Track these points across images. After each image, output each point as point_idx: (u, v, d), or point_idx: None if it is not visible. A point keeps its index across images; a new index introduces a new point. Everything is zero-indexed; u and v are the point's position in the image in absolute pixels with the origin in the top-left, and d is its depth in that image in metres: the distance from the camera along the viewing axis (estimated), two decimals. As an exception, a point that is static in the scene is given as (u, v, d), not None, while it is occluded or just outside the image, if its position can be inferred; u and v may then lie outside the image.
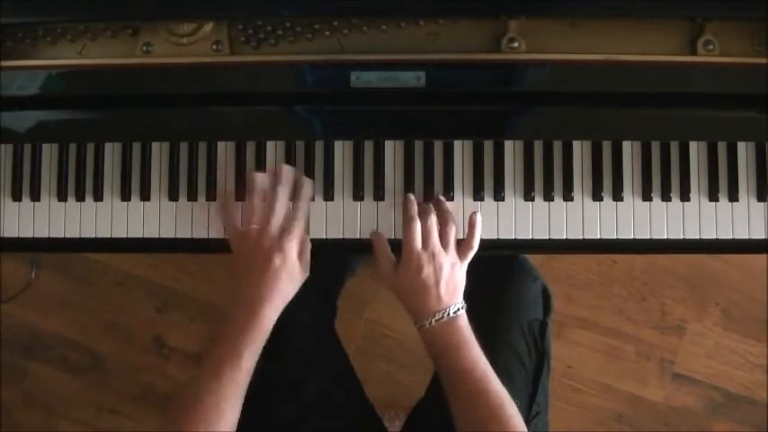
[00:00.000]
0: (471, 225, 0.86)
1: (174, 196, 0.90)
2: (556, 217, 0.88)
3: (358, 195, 0.89)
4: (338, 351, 1.04)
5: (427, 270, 0.82)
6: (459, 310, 0.83)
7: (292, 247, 0.83)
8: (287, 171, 0.87)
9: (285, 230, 0.83)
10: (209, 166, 0.90)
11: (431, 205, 0.86)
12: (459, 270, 0.84)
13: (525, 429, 0.78)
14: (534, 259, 1.09)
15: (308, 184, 0.87)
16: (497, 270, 1.00)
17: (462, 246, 0.86)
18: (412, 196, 0.87)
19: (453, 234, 0.85)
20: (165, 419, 0.78)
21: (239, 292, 0.83)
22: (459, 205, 0.88)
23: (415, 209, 0.85)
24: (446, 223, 0.85)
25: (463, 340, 0.82)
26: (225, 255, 0.88)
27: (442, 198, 0.87)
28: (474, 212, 0.86)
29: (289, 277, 0.83)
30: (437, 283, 0.82)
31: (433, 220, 0.84)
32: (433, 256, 0.83)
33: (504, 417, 0.77)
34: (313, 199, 0.88)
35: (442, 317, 0.82)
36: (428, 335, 0.83)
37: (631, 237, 0.88)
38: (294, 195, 0.86)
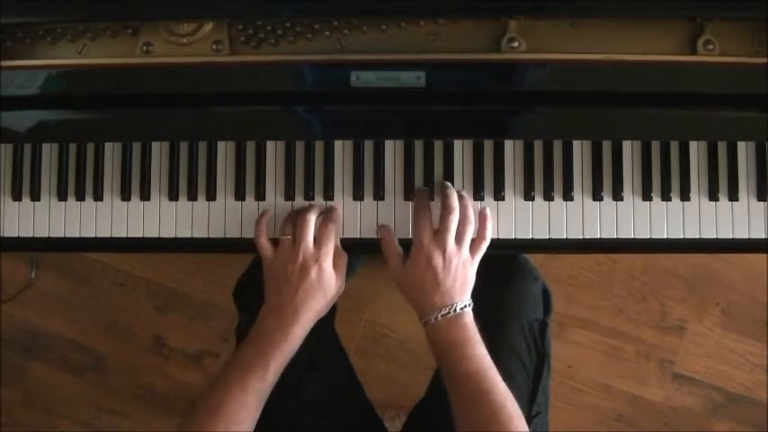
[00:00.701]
0: (483, 218, 0.86)
1: (173, 196, 0.90)
2: (556, 217, 0.88)
3: (358, 195, 0.89)
4: (338, 351, 1.04)
5: (436, 261, 0.82)
6: (465, 306, 0.83)
7: (328, 259, 0.84)
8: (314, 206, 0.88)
9: (319, 243, 0.84)
10: (209, 166, 0.90)
11: (456, 201, 0.85)
12: (469, 267, 0.84)
13: (527, 431, 0.78)
14: (534, 259, 1.09)
15: (335, 207, 0.88)
16: (498, 270, 1.00)
17: (475, 240, 0.85)
18: (424, 188, 0.87)
19: (470, 233, 0.84)
20: (186, 419, 0.79)
21: (273, 302, 0.83)
22: (452, 193, 0.88)
23: (426, 199, 0.85)
24: (464, 221, 0.84)
25: (468, 338, 0.81)
26: (225, 255, 0.88)
27: (465, 194, 0.87)
28: (484, 208, 0.87)
29: (323, 292, 0.84)
30: (446, 276, 0.82)
31: (454, 217, 0.84)
32: (444, 249, 0.82)
33: (505, 417, 0.77)
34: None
35: (448, 312, 0.82)
36: (433, 331, 0.83)
37: (631, 237, 0.88)
38: (325, 213, 0.87)
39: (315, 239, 0.84)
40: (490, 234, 0.86)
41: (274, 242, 0.86)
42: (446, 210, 0.84)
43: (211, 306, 1.56)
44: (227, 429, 0.76)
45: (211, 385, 0.80)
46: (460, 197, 0.86)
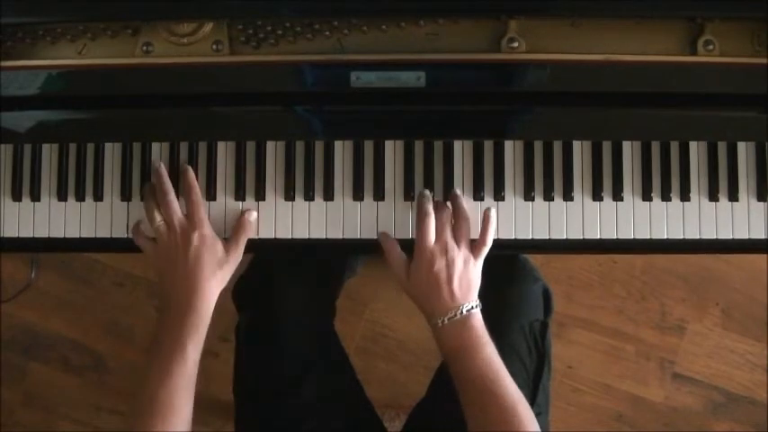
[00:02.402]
0: (485, 220, 0.86)
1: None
2: (556, 217, 0.88)
3: (358, 195, 0.89)
4: (338, 351, 1.04)
5: (439, 264, 0.82)
6: (472, 308, 0.82)
7: (204, 224, 0.84)
8: (153, 163, 0.88)
9: (189, 213, 0.84)
10: (209, 166, 0.90)
11: (447, 202, 0.86)
12: (473, 267, 0.84)
13: (539, 431, 0.77)
14: (534, 259, 1.09)
15: (187, 169, 0.87)
16: (498, 270, 1.00)
17: (476, 242, 0.85)
18: (428, 192, 0.86)
19: (467, 230, 0.84)
20: (130, 423, 0.78)
21: (168, 283, 0.83)
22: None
23: (430, 205, 0.84)
24: (460, 219, 0.84)
25: (476, 340, 0.81)
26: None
27: (458, 192, 0.87)
28: (488, 208, 0.86)
29: (212, 256, 0.83)
30: (450, 278, 0.82)
31: (447, 214, 0.84)
32: (445, 251, 0.82)
33: (516, 419, 0.76)
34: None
35: (455, 315, 0.81)
36: (441, 334, 0.82)
37: (631, 237, 0.88)
38: (182, 182, 0.87)
39: (185, 214, 0.84)
40: (492, 236, 0.85)
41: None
42: (439, 211, 0.84)
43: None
44: (165, 420, 0.76)
45: (140, 383, 0.80)
46: (453, 196, 0.86)
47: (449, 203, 0.86)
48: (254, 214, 0.88)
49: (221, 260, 0.84)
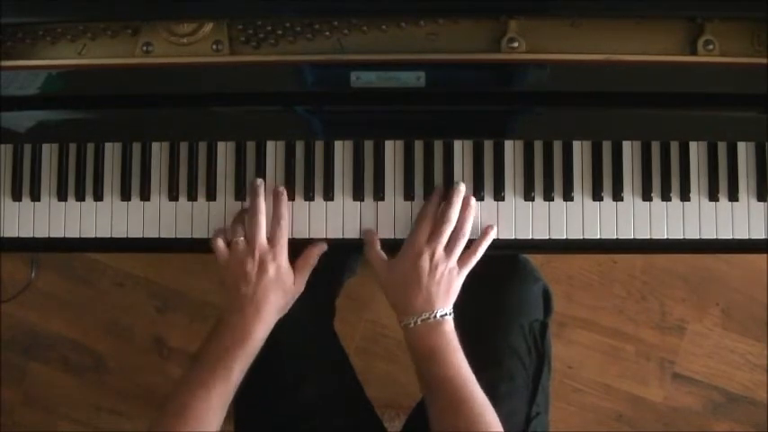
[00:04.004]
0: (485, 234, 0.86)
1: (173, 196, 0.90)
2: (556, 217, 0.88)
3: (358, 195, 0.89)
4: (338, 351, 1.04)
5: (423, 264, 0.82)
6: (446, 315, 0.83)
7: (283, 255, 0.84)
8: (256, 182, 0.87)
9: (273, 241, 0.84)
10: (209, 166, 0.90)
11: (456, 215, 0.85)
12: (455, 276, 0.84)
13: None
14: (534, 259, 1.09)
15: (283, 193, 0.87)
16: (498, 271, 1.00)
17: (466, 251, 0.85)
18: (436, 198, 0.87)
19: (461, 245, 0.85)
20: (154, 420, 0.78)
21: (233, 302, 0.83)
22: (455, 205, 0.88)
23: (434, 207, 0.85)
24: (458, 233, 0.85)
25: (446, 345, 0.81)
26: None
27: (472, 204, 0.86)
28: (490, 225, 0.86)
29: (282, 289, 0.84)
30: (430, 280, 0.82)
31: (448, 228, 0.84)
32: (433, 254, 0.83)
33: (483, 426, 0.77)
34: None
35: (428, 318, 0.82)
36: (412, 335, 0.83)
37: (631, 237, 0.88)
38: (273, 206, 0.86)
39: (268, 238, 0.84)
40: (483, 250, 0.86)
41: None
42: (442, 218, 0.84)
43: (211, 306, 1.56)
44: (193, 428, 0.76)
45: (177, 386, 0.80)
46: (465, 206, 0.86)
47: (455, 209, 0.85)
48: (324, 247, 0.88)
49: (287, 292, 0.85)
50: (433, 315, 0.82)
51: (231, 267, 0.84)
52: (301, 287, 0.87)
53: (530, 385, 0.96)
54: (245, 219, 0.86)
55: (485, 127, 0.89)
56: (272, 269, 0.83)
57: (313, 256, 0.87)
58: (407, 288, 0.83)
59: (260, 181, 0.87)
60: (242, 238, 0.84)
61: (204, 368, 0.80)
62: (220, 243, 0.86)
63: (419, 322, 0.82)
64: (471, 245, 0.86)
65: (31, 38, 0.85)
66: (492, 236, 0.86)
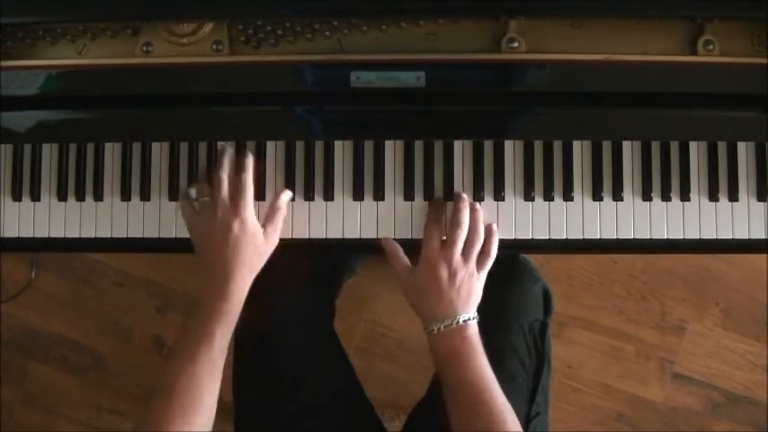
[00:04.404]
0: (489, 233, 0.86)
1: (173, 196, 0.90)
2: (556, 217, 0.88)
3: (358, 195, 0.89)
4: (338, 351, 1.04)
5: (442, 273, 0.82)
6: (469, 319, 0.83)
7: (247, 210, 0.83)
8: (219, 147, 0.87)
9: (236, 197, 0.83)
10: (209, 166, 0.90)
11: (467, 217, 0.85)
12: (476, 280, 0.84)
13: None
14: (534, 259, 1.09)
15: (249, 154, 0.86)
16: (498, 271, 1.00)
17: (481, 255, 0.85)
18: (440, 198, 0.87)
19: (477, 248, 0.85)
20: (147, 402, 0.77)
21: (204, 266, 0.83)
22: (465, 207, 0.88)
23: (439, 212, 0.86)
24: (473, 236, 0.85)
25: (470, 350, 0.81)
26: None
27: (478, 207, 0.86)
28: (491, 224, 0.87)
29: (251, 244, 0.82)
30: (451, 287, 0.82)
31: (462, 232, 0.84)
32: (451, 261, 0.83)
33: (503, 429, 0.77)
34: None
35: (451, 323, 0.82)
36: (435, 340, 0.83)
37: (631, 237, 0.88)
38: (237, 167, 0.86)
39: (231, 195, 0.83)
40: (495, 249, 0.86)
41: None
42: (455, 224, 0.84)
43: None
44: (184, 406, 0.74)
45: (166, 364, 0.79)
46: (473, 210, 0.86)
47: (464, 213, 0.85)
48: (289, 194, 0.87)
49: (259, 248, 0.83)
50: (455, 321, 0.82)
51: (198, 230, 0.84)
52: (274, 240, 0.85)
53: (530, 385, 0.96)
54: (206, 179, 0.85)
55: (485, 127, 0.89)
56: (236, 225, 0.81)
57: (280, 204, 0.86)
58: (428, 297, 0.83)
59: (222, 144, 0.87)
60: (206, 199, 0.84)
61: (186, 340, 0.79)
62: (188, 210, 0.86)
63: (442, 328, 0.82)
64: (483, 247, 0.86)
65: (31, 38, 0.85)
66: (497, 232, 0.86)
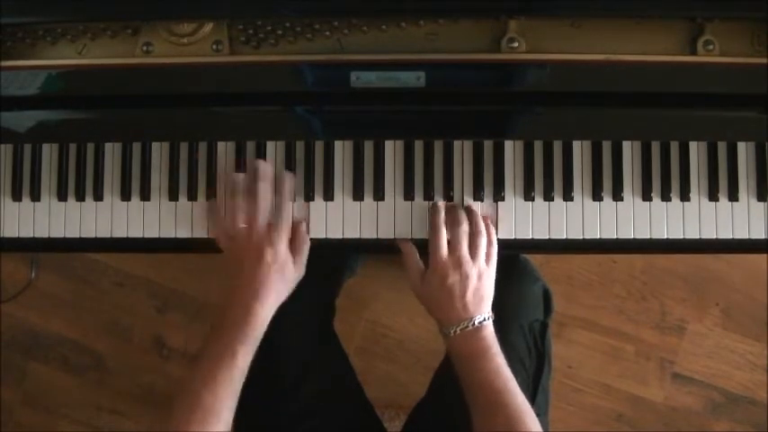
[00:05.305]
0: (486, 224, 0.86)
1: (174, 196, 0.90)
2: (556, 217, 0.88)
3: (358, 195, 0.89)
4: (338, 351, 1.04)
5: (453, 279, 0.82)
6: (484, 320, 0.83)
7: (282, 241, 0.84)
8: (264, 167, 0.86)
9: (272, 226, 0.84)
10: (210, 166, 0.90)
11: (463, 213, 0.85)
12: (486, 280, 0.84)
13: None
14: (534, 259, 1.09)
15: (288, 178, 0.87)
16: (498, 271, 1.00)
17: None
18: (441, 204, 0.87)
19: (484, 244, 0.84)
20: (164, 420, 0.78)
21: (233, 291, 0.83)
22: (458, 205, 0.88)
23: (442, 217, 0.85)
24: (476, 233, 0.84)
25: (486, 350, 0.81)
26: (224, 255, 0.88)
27: (473, 207, 0.87)
28: (485, 215, 0.87)
29: (281, 274, 0.83)
30: (463, 292, 0.82)
31: (463, 229, 0.84)
32: (459, 264, 0.83)
33: (523, 429, 0.77)
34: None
35: (467, 326, 0.82)
36: (452, 343, 0.83)
37: (631, 237, 0.88)
38: (276, 190, 0.86)
39: (268, 223, 0.84)
40: (495, 237, 0.86)
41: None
42: (453, 223, 0.84)
43: (211, 306, 1.56)
44: (204, 422, 0.76)
45: (184, 381, 0.80)
46: (469, 210, 0.86)
47: (460, 211, 0.86)
48: (303, 220, 0.87)
49: (287, 278, 0.84)
50: (471, 323, 0.82)
51: (232, 254, 0.84)
52: (301, 270, 0.86)
53: (530, 385, 0.96)
54: (246, 204, 0.85)
55: (485, 127, 0.89)
56: (269, 255, 0.82)
57: (302, 233, 0.86)
58: (442, 303, 0.83)
59: (263, 164, 0.86)
60: (243, 226, 0.84)
61: (209, 357, 0.80)
62: (222, 237, 0.86)
63: (458, 331, 0.82)
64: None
65: (31, 38, 0.85)
66: (489, 216, 0.87)
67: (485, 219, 0.86)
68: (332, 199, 0.89)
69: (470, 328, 0.82)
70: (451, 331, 0.82)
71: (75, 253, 1.53)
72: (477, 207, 0.88)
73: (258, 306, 0.81)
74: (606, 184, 0.88)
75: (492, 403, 0.79)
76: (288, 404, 0.94)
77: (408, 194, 0.89)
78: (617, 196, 0.88)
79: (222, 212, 0.86)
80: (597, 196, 0.88)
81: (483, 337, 0.82)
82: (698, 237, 0.88)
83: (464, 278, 0.82)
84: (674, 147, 0.88)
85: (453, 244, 0.83)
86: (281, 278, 0.84)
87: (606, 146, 0.89)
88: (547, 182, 0.88)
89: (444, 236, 0.84)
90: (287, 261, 0.84)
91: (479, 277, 0.83)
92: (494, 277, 0.85)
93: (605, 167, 0.89)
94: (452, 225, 0.84)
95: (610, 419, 1.52)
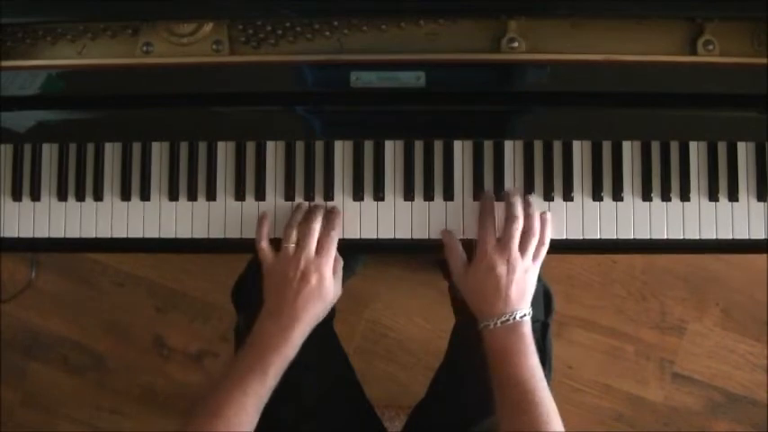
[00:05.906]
0: (543, 222, 0.86)
1: (174, 196, 0.90)
2: (556, 217, 0.88)
3: (358, 195, 0.89)
4: (337, 351, 1.04)
5: (500, 270, 0.82)
6: (525, 315, 0.83)
7: (328, 267, 0.85)
8: (312, 206, 0.89)
9: (320, 250, 0.85)
10: (210, 166, 0.90)
11: (521, 209, 0.85)
12: (531, 275, 0.84)
13: None
14: (534, 259, 1.08)
15: (338, 211, 0.88)
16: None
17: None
18: (491, 194, 0.87)
19: (534, 243, 0.84)
20: (187, 420, 0.79)
21: (273, 307, 0.84)
22: (458, 205, 0.88)
23: (491, 206, 0.85)
24: (529, 231, 0.84)
25: (524, 347, 0.82)
26: (225, 255, 0.88)
27: (532, 201, 0.86)
28: (544, 212, 0.86)
29: (322, 298, 0.85)
30: (508, 284, 0.82)
31: (517, 226, 0.84)
32: (508, 257, 0.83)
33: (549, 430, 0.78)
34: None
35: (508, 320, 0.82)
36: (491, 336, 0.83)
37: (631, 237, 0.88)
38: (327, 217, 0.87)
39: (317, 247, 0.85)
40: (549, 239, 0.86)
41: (272, 243, 0.87)
42: (510, 218, 0.84)
43: (211, 306, 1.56)
44: (225, 431, 0.77)
45: (212, 388, 0.81)
46: (527, 204, 0.86)
47: (518, 207, 0.85)
48: (334, 235, 0.87)
49: (326, 301, 0.86)
50: (512, 317, 0.82)
51: (276, 273, 0.85)
52: (339, 292, 0.88)
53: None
54: (298, 224, 0.86)
55: (485, 127, 0.89)
56: (314, 279, 0.83)
57: (335, 253, 0.87)
58: (486, 294, 0.83)
59: (322, 207, 0.88)
60: (292, 245, 0.85)
61: (240, 370, 0.81)
62: (265, 246, 0.86)
63: (498, 324, 0.82)
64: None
65: (31, 38, 0.86)
66: (550, 219, 0.86)
67: (542, 216, 0.86)
68: (332, 199, 0.89)
69: (511, 322, 0.82)
70: (491, 324, 0.82)
71: (74, 253, 1.53)
72: (533, 202, 0.87)
73: (297, 330, 0.83)
74: (606, 185, 0.88)
75: (522, 401, 0.79)
76: (288, 405, 0.94)
77: (408, 194, 0.89)
78: (617, 196, 0.88)
79: (271, 224, 0.88)
80: (597, 196, 0.88)
81: (522, 333, 0.82)
82: (698, 237, 0.88)
83: (510, 271, 0.82)
84: (674, 147, 0.88)
85: (505, 239, 0.83)
86: (322, 303, 0.85)
87: (606, 146, 0.89)
88: (547, 182, 0.88)
89: (493, 225, 0.84)
90: (330, 287, 0.85)
91: (525, 272, 0.84)
92: (537, 276, 0.85)
93: (605, 167, 0.89)
94: (508, 219, 0.84)
95: (610, 419, 1.52)
